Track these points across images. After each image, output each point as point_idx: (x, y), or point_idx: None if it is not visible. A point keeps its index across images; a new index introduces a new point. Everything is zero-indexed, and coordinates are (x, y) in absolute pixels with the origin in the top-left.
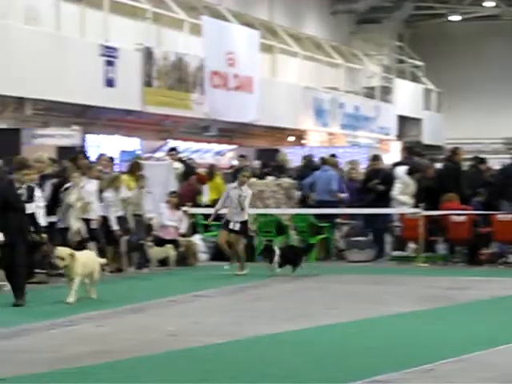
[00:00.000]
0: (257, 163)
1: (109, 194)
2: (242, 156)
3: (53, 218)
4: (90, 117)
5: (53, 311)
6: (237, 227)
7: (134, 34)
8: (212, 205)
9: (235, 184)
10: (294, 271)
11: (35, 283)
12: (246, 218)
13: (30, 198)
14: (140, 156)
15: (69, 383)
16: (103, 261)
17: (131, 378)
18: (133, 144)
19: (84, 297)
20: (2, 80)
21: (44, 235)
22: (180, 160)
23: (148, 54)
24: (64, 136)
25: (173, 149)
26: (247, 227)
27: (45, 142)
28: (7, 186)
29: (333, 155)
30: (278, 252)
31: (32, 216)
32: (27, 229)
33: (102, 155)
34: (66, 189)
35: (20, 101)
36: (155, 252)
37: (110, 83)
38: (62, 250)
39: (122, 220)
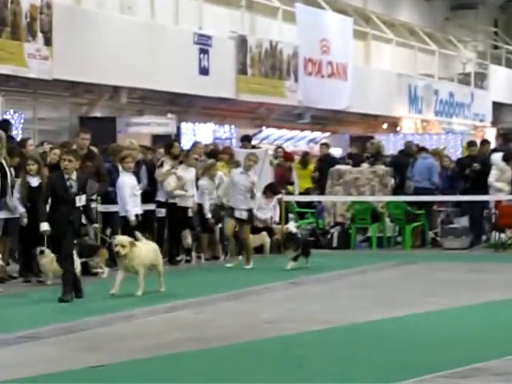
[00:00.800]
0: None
1: (204, 182)
2: (323, 144)
3: (151, 206)
4: (184, 105)
5: (151, 298)
6: (243, 215)
7: (228, 22)
8: (305, 193)
9: (241, 169)
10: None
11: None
12: (252, 205)
13: (83, 190)
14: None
15: (168, 370)
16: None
17: (229, 365)
18: (226, 132)
19: (175, 285)
20: (98, 69)
21: (96, 225)
22: (254, 148)
23: (242, 42)
24: (158, 124)
25: (246, 137)
26: (253, 216)
27: (139, 130)
28: (56, 178)
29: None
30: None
31: (85, 208)
32: (77, 221)
33: (196, 143)
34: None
35: (115, 89)
36: (251, 239)
37: (204, 71)
38: (122, 238)
39: (216, 208)
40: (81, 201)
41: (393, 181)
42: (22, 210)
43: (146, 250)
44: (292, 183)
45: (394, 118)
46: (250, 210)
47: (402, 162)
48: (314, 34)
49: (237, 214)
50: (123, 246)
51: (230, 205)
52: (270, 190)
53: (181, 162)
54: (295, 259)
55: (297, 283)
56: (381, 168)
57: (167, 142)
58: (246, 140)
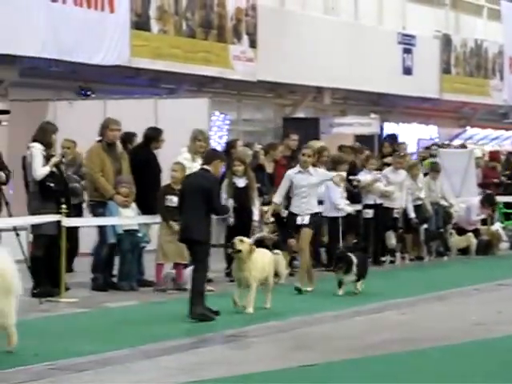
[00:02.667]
0: None
1: (407, 182)
2: None
3: (358, 207)
4: (386, 105)
5: (356, 299)
6: (306, 220)
7: (432, 21)
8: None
9: (297, 168)
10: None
11: None
12: (316, 209)
13: None
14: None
15: (379, 370)
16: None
17: (438, 366)
18: (430, 132)
19: (380, 286)
20: (301, 70)
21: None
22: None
23: (446, 41)
24: (361, 124)
25: (391, 136)
26: (320, 220)
27: (343, 130)
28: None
29: None
30: (355, 261)
31: None
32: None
33: (400, 144)
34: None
35: (319, 90)
36: (456, 241)
37: (407, 71)
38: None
39: (420, 208)
40: None
41: None
42: (229, 209)
43: (260, 262)
44: (498, 184)
45: None
46: (313, 215)
47: None
48: None
49: (298, 220)
50: (241, 241)
51: (291, 210)
52: (487, 201)
53: (387, 164)
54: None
55: (505, 285)
56: None
57: (370, 142)
58: (391, 138)
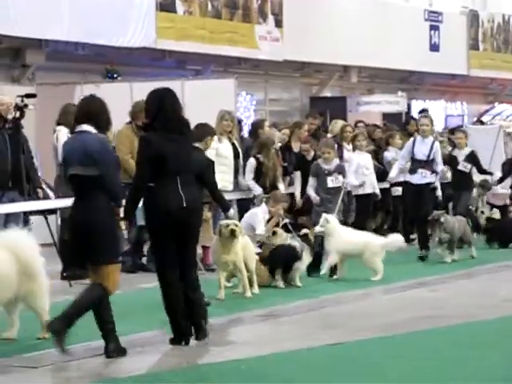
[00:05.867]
0: None
1: None
2: None
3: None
4: (414, 82)
5: (386, 277)
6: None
7: None
8: None
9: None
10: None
11: None
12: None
13: None
14: None
15: (404, 347)
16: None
17: (465, 343)
18: (458, 109)
19: (409, 263)
20: (328, 49)
21: None
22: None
23: (473, 17)
24: (389, 102)
25: (423, 110)
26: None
27: (370, 109)
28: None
29: None
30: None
31: None
32: None
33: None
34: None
35: (345, 69)
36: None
37: (434, 48)
38: None
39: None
40: None
41: None
42: (259, 190)
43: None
44: None
45: None
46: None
47: None
48: None
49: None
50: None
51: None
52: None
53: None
54: None
55: None
56: None
57: (399, 120)
58: (423, 111)
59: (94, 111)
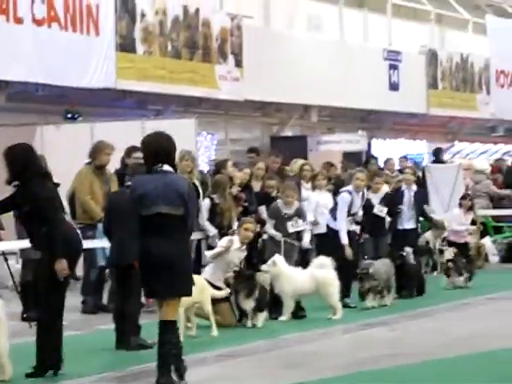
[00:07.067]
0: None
1: None
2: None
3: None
4: (374, 121)
5: (345, 317)
6: None
7: (417, 37)
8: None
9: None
10: None
11: None
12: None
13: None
14: None
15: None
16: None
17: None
18: (417, 147)
19: None
20: (288, 88)
21: None
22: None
23: (432, 56)
24: (349, 141)
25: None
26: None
27: (331, 148)
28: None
29: None
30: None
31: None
32: None
33: (389, 160)
34: None
35: (306, 108)
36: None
37: (394, 87)
38: None
39: None
40: None
41: None
42: (213, 231)
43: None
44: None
45: None
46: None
47: None
48: (507, 45)
49: None
50: None
51: None
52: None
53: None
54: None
55: (493, 299)
56: None
57: (358, 159)
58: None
59: (170, 150)
